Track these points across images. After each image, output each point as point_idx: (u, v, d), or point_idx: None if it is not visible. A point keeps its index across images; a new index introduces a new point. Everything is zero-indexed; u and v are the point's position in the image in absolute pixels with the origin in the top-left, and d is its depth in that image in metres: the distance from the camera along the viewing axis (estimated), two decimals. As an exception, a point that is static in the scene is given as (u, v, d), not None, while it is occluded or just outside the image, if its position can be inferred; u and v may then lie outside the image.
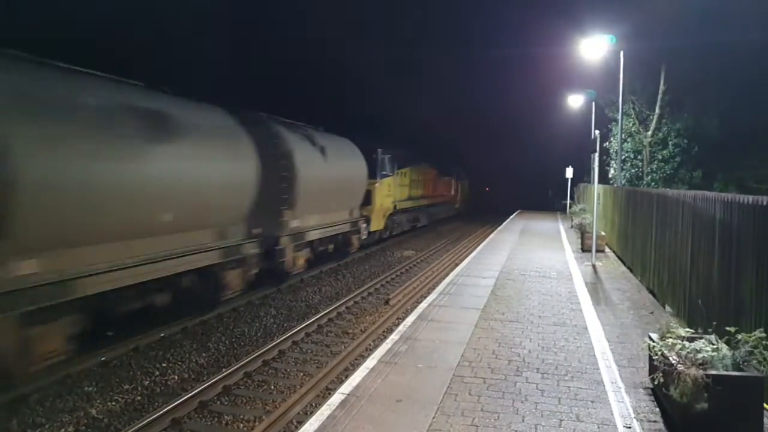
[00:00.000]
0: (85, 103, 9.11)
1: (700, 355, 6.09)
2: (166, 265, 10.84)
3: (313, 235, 17.61)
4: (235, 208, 13.29)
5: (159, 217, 10.54)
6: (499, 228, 31.37)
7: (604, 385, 7.41)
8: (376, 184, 24.28)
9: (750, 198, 7.42)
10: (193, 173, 11.40)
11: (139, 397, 8.78)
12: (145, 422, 7.56)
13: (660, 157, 26.21)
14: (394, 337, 9.40)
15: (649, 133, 26.61)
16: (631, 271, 16.44)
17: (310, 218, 17.38)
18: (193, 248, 11.67)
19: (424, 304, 11.89)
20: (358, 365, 8.58)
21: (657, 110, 26.07)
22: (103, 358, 9.90)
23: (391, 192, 26.76)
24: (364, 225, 22.74)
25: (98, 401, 8.54)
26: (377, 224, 25.18)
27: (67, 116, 8.65)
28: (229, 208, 13.04)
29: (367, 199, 23.10)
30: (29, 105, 8.10)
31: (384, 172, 25.42)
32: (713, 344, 6.39)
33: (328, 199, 18.47)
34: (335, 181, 18.78)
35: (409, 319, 10.59)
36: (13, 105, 7.84)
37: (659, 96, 25.79)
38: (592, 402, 6.87)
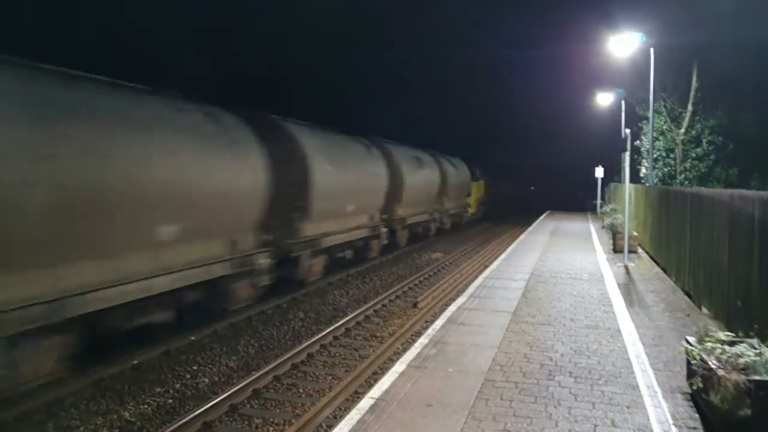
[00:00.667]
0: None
1: (741, 360, 5.91)
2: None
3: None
4: (243, 216, 12.83)
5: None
6: (529, 229, 31.05)
7: (639, 390, 7.22)
8: (473, 185, 38.62)
9: (791, 196, 7.19)
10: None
11: (170, 401, 8.81)
12: (176, 425, 7.58)
13: (694, 156, 25.70)
14: (423, 340, 9.30)
15: (682, 130, 26.11)
16: (665, 272, 16.10)
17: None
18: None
19: (453, 307, 11.76)
20: (387, 369, 8.49)
21: (690, 107, 25.57)
22: (135, 362, 9.96)
23: (478, 190, 40.50)
24: (385, 230, 22.22)
25: (131, 404, 8.59)
26: (474, 210, 39.49)
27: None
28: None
29: (469, 194, 36.68)
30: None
31: (476, 178, 38.88)
32: (755, 348, 6.19)
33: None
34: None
35: (439, 323, 10.47)
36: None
37: (692, 93, 25.28)
38: (628, 407, 6.70)
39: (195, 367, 10.15)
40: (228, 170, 12.04)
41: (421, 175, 26.42)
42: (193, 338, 11.39)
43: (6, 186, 7.38)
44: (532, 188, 67.62)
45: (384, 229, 22.14)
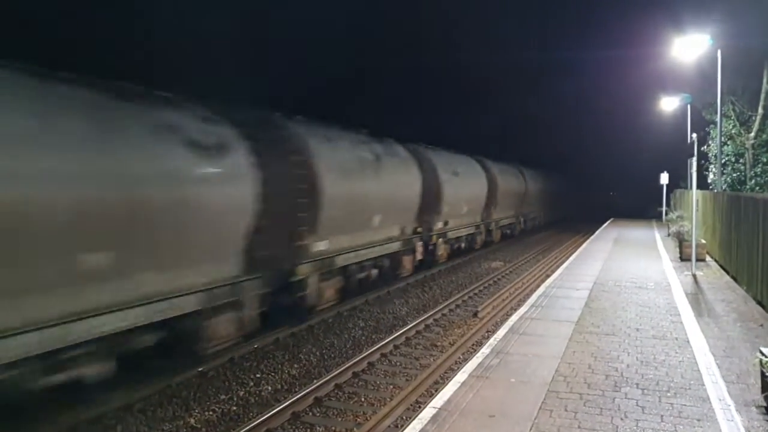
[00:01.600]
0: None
1: (820, 372, 5.65)
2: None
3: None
4: (225, 237, 10.38)
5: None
6: (591, 237, 30.42)
7: (710, 403, 6.98)
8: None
9: None
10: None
11: (234, 408, 9.00)
12: (240, 432, 7.72)
13: (765, 160, 24.68)
14: (484, 350, 9.23)
15: (752, 134, 25.12)
16: (735, 280, 15.51)
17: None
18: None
19: (514, 317, 11.63)
20: (449, 379, 8.47)
21: (760, 110, 24.58)
22: (200, 369, 10.21)
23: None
24: (420, 244, 19.85)
25: (196, 411, 8.82)
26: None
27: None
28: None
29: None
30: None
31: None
32: (834, 360, 5.91)
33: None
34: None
35: (500, 333, 10.37)
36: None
37: (762, 95, 24.32)
38: (699, 420, 6.49)
39: (258, 375, 10.33)
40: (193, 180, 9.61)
41: (464, 183, 23.98)
42: (256, 346, 11.60)
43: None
44: (612, 193, 66.08)
45: (418, 244, 19.73)
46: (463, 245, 25.71)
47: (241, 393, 9.55)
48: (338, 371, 10.15)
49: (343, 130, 16.08)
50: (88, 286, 7.90)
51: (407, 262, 18.99)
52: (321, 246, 13.56)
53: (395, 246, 17.87)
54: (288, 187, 12.00)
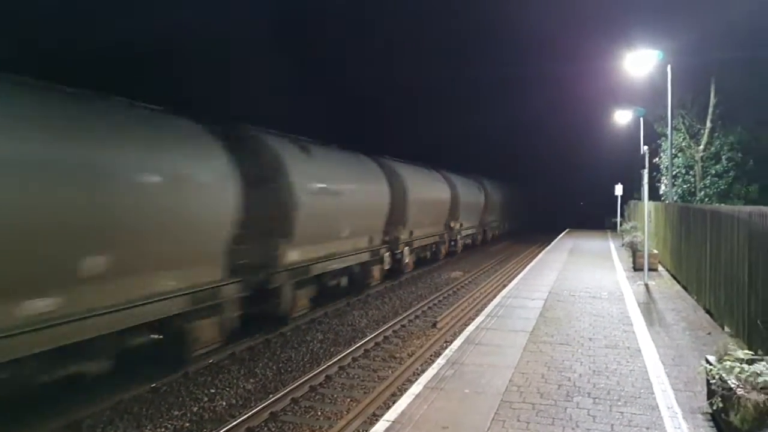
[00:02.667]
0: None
1: (761, 379, 5.83)
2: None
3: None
4: (208, 243, 10.89)
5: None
6: (547, 247, 30.88)
7: (659, 411, 7.13)
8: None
9: (809, 213, 7.11)
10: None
11: (187, 424, 8.84)
12: (193, 449, 7.59)
13: (713, 172, 25.42)
14: (440, 361, 9.27)
15: (701, 147, 25.88)
16: (685, 290, 15.91)
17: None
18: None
19: (471, 327, 11.73)
20: (405, 390, 8.47)
21: (708, 124, 25.37)
22: (153, 384, 10.03)
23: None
24: (387, 254, 20.33)
25: (148, 428, 8.64)
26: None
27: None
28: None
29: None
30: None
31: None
32: (775, 367, 6.10)
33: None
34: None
35: (456, 343, 10.44)
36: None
37: (710, 109, 25.10)
38: (647, 429, 6.62)
39: (213, 390, 10.19)
40: (186, 190, 10.19)
41: (429, 194, 24.99)
42: (211, 361, 11.44)
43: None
44: (582, 203, 67.07)
45: (386, 253, 20.29)
46: (428, 255, 26.60)
47: (195, 409, 9.40)
48: (295, 385, 10.08)
49: (316, 143, 16.55)
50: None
51: (376, 271, 19.53)
52: (295, 255, 13.96)
53: (365, 256, 18.35)
54: (266, 198, 12.55)
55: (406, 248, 22.28)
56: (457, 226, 30.30)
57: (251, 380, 10.79)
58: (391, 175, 20.82)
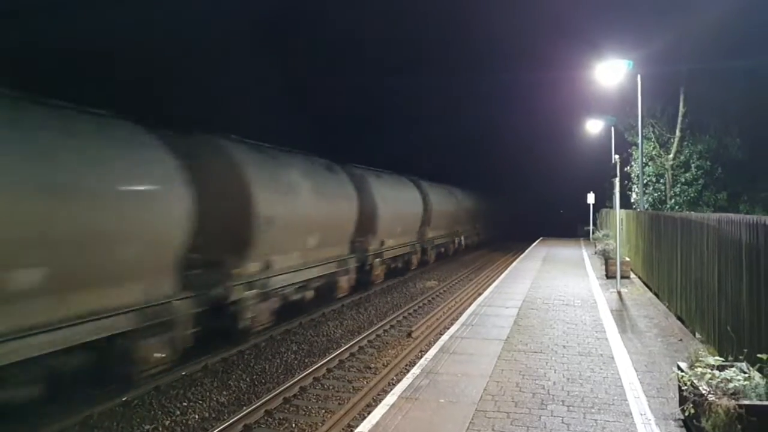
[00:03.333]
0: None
1: (731, 385, 5.90)
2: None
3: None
4: (155, 255, 10.13)
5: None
6: (521, 256, 31.07)
7: (632, 417, 7.18)
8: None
9: (776, 220, 7.23)
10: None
11: (159, 438, 8.69)
12: (164, 464, 7.45)
13: (683, 180, 25.86)
14: (415, 371, 9.24)
15: (671, 156, 26.32)
16: (657, 297, 16.10)
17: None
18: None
19: (446, 336, 11.72)
20: (380, 401, 8.42)
21: (678, 133, 25.82)
22: (124, 398, 9.84)
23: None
24: (355, 266, 19.72)
25: (118, 443, 8.47)
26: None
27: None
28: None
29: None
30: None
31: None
32: (745, 372, 6.18)
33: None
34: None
35: (431, 352, 10.42)
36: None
37: (679, 118, 25.55)
38: (621, 435, 6.65)
39: (185, 403, 10.03)
40: (128, 198, 9.61)
41: (400, 203, 24.49)
42: (184, 373, 11.27)
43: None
44: (561, 211, 67.73)
45: (354, 265, 19.61)
46: (399, 265, 25.76)
47: (167, 422, 9.24)
48: (269, 397, 9.96)
49: (278, 149, 16.03)
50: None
51: (344, 282, 18.71)
52: (256, 267, 13.38)
53: (332, 267, 17.68)
54: (222, 207, 11.97)
55: (377, 259, 21.81)
56: (430, 234, 29.93)
57: (224, 392, 10.64)
58: (359, 182, 20.43)
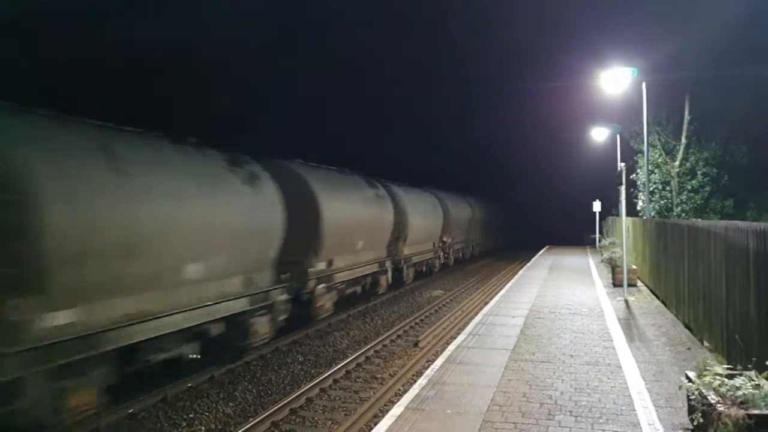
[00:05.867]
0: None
1: (740, 393, 5.84)
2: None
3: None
4: (265, 257, 13.27)
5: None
6: (528, 264, 31.00)
7: (641, 428, 7.13)
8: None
9: (783, 227, 7.19)
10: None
11: (165, 450, 8.67)
12: (171, 476, 7.43)
13: (689, 188, 25.79)
14: (422, 381, 9.21)
15: (677, 163, 26.27)
16: (665, 305, 16.02)
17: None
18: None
19: (452, 346, 11.68)
20: (387, 412, 8.38)
21: (683, 140, 25.78)
22: (131, 410, 9.83)
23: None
24: (392, 267, 22.97)
25: (125, 455, 8.46)
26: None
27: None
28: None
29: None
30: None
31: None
32: (754, 380, 6.12)
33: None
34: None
35: (438, 362, 10.39)
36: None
37: (685, 126, 25.52)
38: (629, 446, 6.60)
39: (191, 415, 10.01)
40: (249, 208, 12.48)
41: (424, 214, 27.23)
42: (190, 384, 11.26)
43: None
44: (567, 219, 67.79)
45: (391, 267, 22.83)
46: (424, 268, 28.72)
47: (174, 434, 9.23)
48: (275, 408, 9.94)
49: (334, 169, 19.65)
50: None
51: (383, 280, 22.03)
52: (322, 265, 16.38)
53: (374, 267, 20.86)
54: (299, 219, 14.52)
55: (406, 264, 24.93)
56: (449, 241, 32.46)
57: (231, 404, 10.63)
58: (394, 196, 23.42)
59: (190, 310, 10.65)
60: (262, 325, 12.98)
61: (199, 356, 11.51)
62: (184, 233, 10.27)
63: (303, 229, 14.89)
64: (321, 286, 16.09)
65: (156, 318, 9.77)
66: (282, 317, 13.91)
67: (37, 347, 7.74)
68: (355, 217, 18.47)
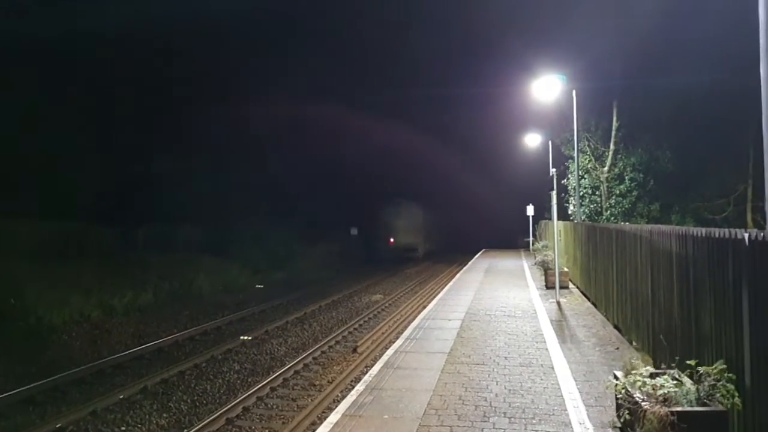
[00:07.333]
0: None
1: (662, 391, 6.08)
2: None
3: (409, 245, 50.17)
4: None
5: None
6: (464, 268, 31.44)
7: (572, 427, 7.32)
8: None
9: (703, 230, 7.52)
10: None
11: (95, 466, 8.40)
12: (101, 493, 7.26)
13: (617, 192, 26.71)
14: (360, 387, 9.21)
15: (606, 168, 27.17)
16: (595, 306, 16.52)
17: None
18: None
19: (390, 351, 11.72)
20: (325, 419, 8.35)
21: (612, 146, 26.69)
22: (58, 425, 9.49)
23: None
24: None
25: (52, 472, 8.16)
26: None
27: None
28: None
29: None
30: None
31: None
32: (676, 379, 6.38)
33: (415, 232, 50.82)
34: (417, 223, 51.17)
35: (376, 368, 10.40)
36: None
37: (613, 132, 26.44)
38: (561, 445, 6.77)
39: (123, 428, 9.74)
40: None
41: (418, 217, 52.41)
42: (122, 396, 10.95)
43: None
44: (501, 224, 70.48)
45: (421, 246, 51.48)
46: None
47: (104, 449, 8.95)
48: (211, 418, 9.76)
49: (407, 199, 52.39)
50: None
51: (420, 253, 50.38)
52: (416, 241, 50.32)
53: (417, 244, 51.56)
54: (424, 223, 49.44)
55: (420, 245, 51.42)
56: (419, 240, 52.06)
57: (165, 415, 10.38)
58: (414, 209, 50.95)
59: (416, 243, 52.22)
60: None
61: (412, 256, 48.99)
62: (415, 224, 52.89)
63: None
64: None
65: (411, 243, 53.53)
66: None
67: (415, 247, 55.46)
68: (415, 222, 51.88)
